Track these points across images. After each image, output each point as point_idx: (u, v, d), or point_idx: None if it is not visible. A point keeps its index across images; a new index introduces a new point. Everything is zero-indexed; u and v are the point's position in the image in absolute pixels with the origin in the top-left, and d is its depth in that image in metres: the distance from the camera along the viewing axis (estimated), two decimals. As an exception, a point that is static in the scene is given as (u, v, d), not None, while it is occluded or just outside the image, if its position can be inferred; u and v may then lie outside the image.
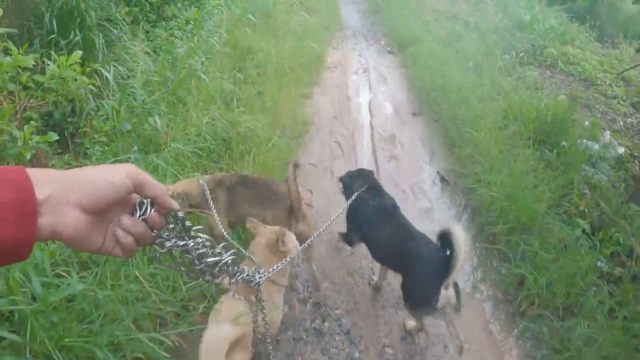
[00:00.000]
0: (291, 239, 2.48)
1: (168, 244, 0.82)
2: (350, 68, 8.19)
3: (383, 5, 12.59)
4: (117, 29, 6.13)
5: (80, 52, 4.44)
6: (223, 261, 0.90)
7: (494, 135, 5.12)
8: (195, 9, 8.37)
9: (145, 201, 0.77)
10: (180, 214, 0.82)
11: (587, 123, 6.06)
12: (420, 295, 2.77)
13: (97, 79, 4.85)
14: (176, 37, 6.95)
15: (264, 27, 8.33)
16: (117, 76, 5.43)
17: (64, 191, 0.67)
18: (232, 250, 0.94)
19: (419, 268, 2.77)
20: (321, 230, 2.57)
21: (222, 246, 0.93)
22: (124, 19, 6.86)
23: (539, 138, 5.30)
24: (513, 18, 9.68)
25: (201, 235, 0.87)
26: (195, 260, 0.87)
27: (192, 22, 8.08)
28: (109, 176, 0.72)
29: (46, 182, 0.66)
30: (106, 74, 4.69)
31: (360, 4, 14.82)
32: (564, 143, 5.12)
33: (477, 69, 7.09)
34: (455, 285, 2.72)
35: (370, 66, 8.32)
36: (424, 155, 5.41)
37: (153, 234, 0.79)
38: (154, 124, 4.34)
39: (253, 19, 7.91)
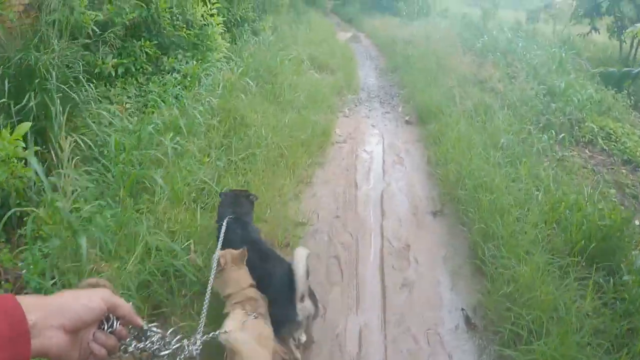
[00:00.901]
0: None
1: (130, 348, 1.00)
2: (361, 143, 7.05)
3: (402, 64, 11.57)
4: (86, 90, 5.11)
5: (27, 124, 3.47)
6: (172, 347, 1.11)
7: (536, 261, 3.85)
8: (195, 62, 7.45)
9: (111, 316, 0.93)
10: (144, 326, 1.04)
11: (637, 222, 4.78)
12: (280, 312, 2.80)
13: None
14: (160, 102, 5.97)
15: (264, 91, 7.31)
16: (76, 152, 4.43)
17: (48, 316, 0.80)
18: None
19: (273, 287, 2.87)
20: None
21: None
22: (109, 73, 5.99)
23: (589, 254, 4.05)
24: (545, 85, 8.50)
25: (155, 331, 1.07)
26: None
27: (189, 77, 7.13)
28: (86, 301, 0.87)
29: (32, 309, 0.78)
30: (35, 166, 3.57)
31: (378, 60, 13.95)
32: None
33: (510, 152, 5.87)
34: (312, 295, 2.88)
35: (385, 141, 7.17)
36: (444, 279, 4.16)
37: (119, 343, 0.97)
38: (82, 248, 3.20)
39: (250, 83, 6.84)
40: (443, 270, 4.27)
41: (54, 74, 4.63)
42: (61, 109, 4.50)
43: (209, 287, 2.26)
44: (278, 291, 2.82)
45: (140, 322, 0.99)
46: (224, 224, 3.16)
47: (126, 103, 5.97)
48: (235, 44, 10.51)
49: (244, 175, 5.00)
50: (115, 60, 6.12)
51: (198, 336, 1.38)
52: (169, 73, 7.08)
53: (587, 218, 4.38)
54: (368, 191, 5.59)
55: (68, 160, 4.35)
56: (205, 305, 2.19)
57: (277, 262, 3.04)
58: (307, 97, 7.76)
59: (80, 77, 5.07)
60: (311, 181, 5.62)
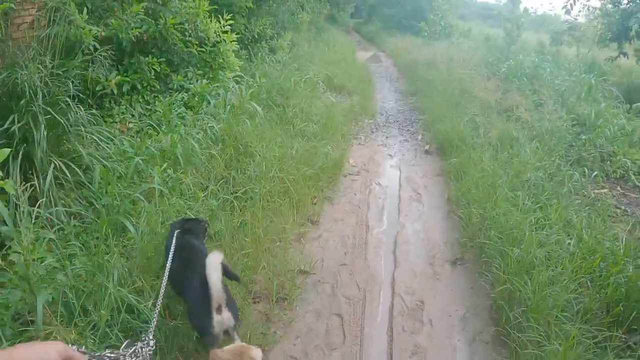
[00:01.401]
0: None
1: None
2: (376, 176, 6.51)
3: (423, 87, 11.02)
4: (76, 111, 4.68)
5: (6, 151, 3.06)
6: None
7: (566, 331, 3.26)
8: (204, 81, 7.01)
9: None
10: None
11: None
12: (195, 323, 2.72)
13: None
14: (162, 123, 5.56)
15: (274, 116, 6.84)
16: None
17: None
18: None
19: (188, 296, 2.77)
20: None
21: None
22: (112, 90, 5.57)
23: (631, 321, 3.45)
24: (574, 114, 7.87)
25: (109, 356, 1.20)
26: None
27: (196, 97, 6.69)
28: (41, 354, 0.87)
29: None
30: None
31: (398, 82, 13.46)
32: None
33: (539, 192, 5.26)
34: (231, 307, 2.66)
35: (402, 174, 6.61)
36: (462, 347, 3.57)
37: None
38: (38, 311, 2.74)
39: (257, 107, 6.36)
40: (460, 335, 3.68)
41: (40, 94, 4.19)
42: (45, 132, 4.09)
43: (164, 279, 2.48)
44: (194, 301, 2.71)
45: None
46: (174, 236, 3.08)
47: (129, 122, 5.62)
48: (252, 61, 10.12)
49: (241, 214, 4.49)
50: (119, 77, 5.70)
51: (150, 336, 1.43)
52: (177, 91, 6.70)
53: (624, 273, 3.78)
54: (380, 234, 5.03)
55: (48, 190, 4.00)
56: (158, 304, 2.37)
57: (198, 269, 2.75)
58: (320, 123, 7.26)
59: (72, 96, 4.60)
60: (318, 220, 5.09)
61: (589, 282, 3.90)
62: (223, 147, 5.47)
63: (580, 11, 14.09)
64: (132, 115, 5.77)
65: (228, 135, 5.73)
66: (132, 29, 5.80)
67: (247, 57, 10.24)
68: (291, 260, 4.29)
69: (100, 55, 5.42)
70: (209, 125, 5.70)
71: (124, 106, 5.75)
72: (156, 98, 6.27)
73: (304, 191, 5.18)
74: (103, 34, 5.34)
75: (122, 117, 5.63)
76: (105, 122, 5.37)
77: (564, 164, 6.30)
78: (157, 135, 5.29)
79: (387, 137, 8.22)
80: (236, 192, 4.79)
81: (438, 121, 8.19)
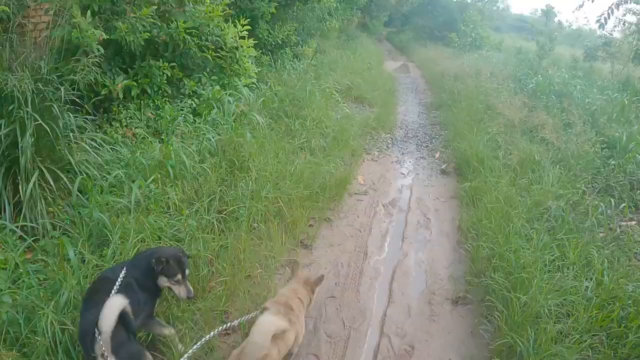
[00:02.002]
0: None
1: None
2: (385, 196, 6.06)
3: (447, 101, 10.48)
4: (67, 116, 4.44)
5: None
6: None
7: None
8: (217, 87, 6.71)
9: None
10: None
11: None
12: None
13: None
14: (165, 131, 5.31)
15: (281, 128, 6.49)
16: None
17: None
18: None
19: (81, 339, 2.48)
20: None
21: None
22: (117, 95, 5.34)
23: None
24: (604, 136, 7.24)
25: None
26: None
27: (204, 104, 6.41)
28: None
29: None
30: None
31: (424, 94, 12.98)
32: None
33: (557, 227, 4.73)
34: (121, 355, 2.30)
35: (413, 196, 6.15)
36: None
37: None
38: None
39: (258, 118, 6.02)
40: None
41: (29, 99, 3.94)
42: (32, 139, 3.86)
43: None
44: (81, 343, 2.47)
45: None
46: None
47: (135, 128, 5.38)
48: (274, 68, 9.82)
49: (223, 237, 4.12)
50: (126, 81, 5.46)
51: None
52: (189, 97, 6.45)
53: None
54: (379, 263, 4.59)
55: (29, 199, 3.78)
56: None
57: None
58: (331, 137, 6.86)
59: (68, 101, 4.37)
60: (312, 244, 4.69)
61: (604, 337, 3.40)
62: (219, 159, 5.13)
63: (615, 26, 13.21)
64: (140, 120, 5.55)
65: (228, 148, 5.39)
66: (142, 33, 5.53)
67: (269, 63, 9.95)
68: (274, 289, 3.90)
69: (104, 58, 5.19)
70: (207, 136, 5.37)
71: (132, 111, 5.53)
72: (167, 103, 6.04)
73: (299, 212, 4.78)
74: (104, 37, 5.06)
75: (129, 122, 5.41)
76: (111, 126, 5.22)
77: (589, 192, 5.72)
78: (151, 144, 4.99)
79: (403, 154, 7.76)
80: (224, 211, 4.43)
81: (459, 138, 7.68)
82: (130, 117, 5.45)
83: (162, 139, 5.28)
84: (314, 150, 6.33)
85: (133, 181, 4.19)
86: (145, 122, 5.59)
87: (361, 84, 10.96)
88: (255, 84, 7.91)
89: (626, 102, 8.51)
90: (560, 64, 13.51)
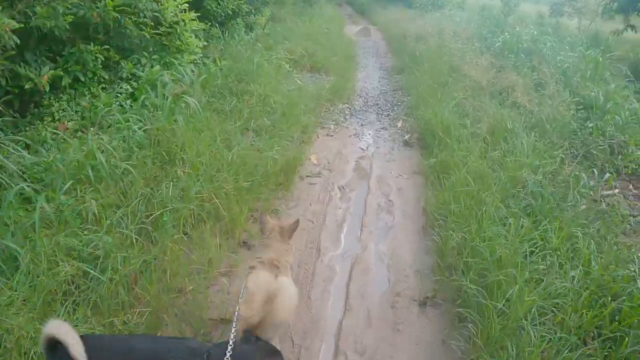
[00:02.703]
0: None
1: None
2: (341, 177, 5.34)
3: (410, 64, 9.72)
4: None
5: None
6: None
7: None
8: (157, 67, 5.85)
9: None
10: None
11: None
12: None
13: None
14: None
15: (225, 107, 5.67)
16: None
17: None
18: None
19: None
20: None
21: None
22: (44, 88, 4.54)
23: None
24: (579, 96, 6.65)
25: None
26: None
27: (144, 88, 5.56)
28: None
29: None
30: None
31: (385, 57, 12.21)
32: None
33: (537, 206, 4.10)
34: None
35: (373, 173, 5.44)
36: None
37: None
38: None
39: (192, 102, 5.18)
40: None
41: None
42: None
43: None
44: None
45: None
46: None
47: (68, 121, 4.74)
48: (224, 40, 8.85)
49: (148, 250, 3.34)
50: (52, 71, 4.75)
51: None
52: (127, 81, 5.73)
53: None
54: (334, 260, 3.89)
55: None
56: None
57: None
58: (280, 112, 6.05)
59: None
60: (255, 243, 3.93)
61: (595, 334, 2.83)
62: (152, 152, 4.29)
63: (581, -21, 12.64)
64: (76, 112, 4.90)
65: (162, 137, 4.56)
66: (65, 16, 4.65)
67: (218, 36, 8.96)
68: (211, 305, 3.17)
69: (27, 48, 4.39)
70: (134, 127, 4.51)
71: (65, 102, 4.91)
72: (104, 90, 5.36)
73: (238, 208, 4.01)
74: (13, 26, 4.09)
75: (62, 115, 4.78)
76: (42, 122, 4.59)
77: (568, 161, 5.13)
78: (81, 139, 4.17)
79: (362, 125, 7.01)
80: (152, 216, 3.63)
81: (422, 104, 6.96)
82: (63, 109, 4.85)
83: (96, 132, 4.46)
84: (260, 130, 5.51)
85: (53, 190, 3.36)
86: (80, 113, 4.94)
87: (317, 51, 10.08)
88: (199, 60, 7.01)
89: (600, 59, 7.88)
90: (526, 21, 12.80)
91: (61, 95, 4.99)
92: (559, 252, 3.50)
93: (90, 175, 3.76)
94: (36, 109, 4.86)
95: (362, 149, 6.15)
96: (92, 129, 4.41)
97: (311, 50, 9.96)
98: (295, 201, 4.70)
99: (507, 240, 3.46)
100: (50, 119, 4.68)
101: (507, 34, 9.51)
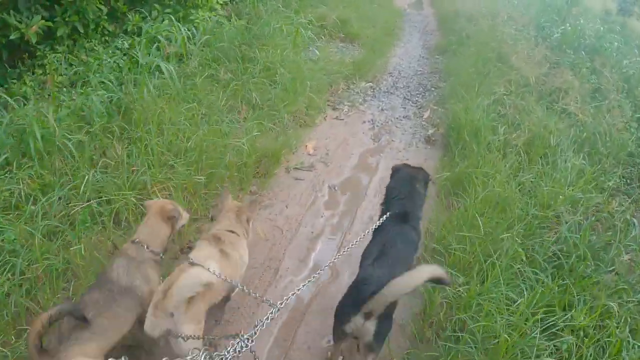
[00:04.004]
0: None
1: None
2: (337, 173, 4.32)
3: (455, 46, 8.40)
4: None
5: None
6: None
7: None
8: (165, 22, 4.99)
9: None
10: None
11: None
12: None
13: None
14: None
15: (222, 76, 4.73)
16: None
17: None
18: None
19: None
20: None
21: None
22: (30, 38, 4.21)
23: None
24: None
25: None
26: None
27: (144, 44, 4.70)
28: None
29: None
30: None
31: (431, 35, 10.79)
32: None
33: (572, 264, 3.01)
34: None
35: (378, 173, 4.40)
36: None
37: None
38: None
39: (165, 66, 4.25)
40: None
41: None
42: None
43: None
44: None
45: None
46: None
47: (58, 75, 4.34)
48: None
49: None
50: (43, 22, 4.27)
51: None
52: (133, 35, 5.16)
53: None
54: (289, 288, 2.92)
55: None
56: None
57: None
58: (281, 86, 5.02)
59: None
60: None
61: None
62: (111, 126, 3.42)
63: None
64: (71, 66, 4.47)
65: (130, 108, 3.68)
66: None
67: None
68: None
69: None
70: (93, 94, 3.64)
71: (61, 55, 4.52)
72: (106, 43, 4.97)
73: (198, 204, 3.09)
74: None
75: (56, 68, 4.36)
76: (34, 73, 4.31)
77: (620, 196, 3.95)
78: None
79: (382, 110, 5.88)
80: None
81: (457, 95, 5.76)
82: (59, 62, 4.45)
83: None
84: (254, 107, 4.51)
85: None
86: (75, 68, 4.43)
87: (354, 19, 8.81)
88: (215, 17, 6.04)
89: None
90: (589, 16, 10.96)
91: (56, 47, 4.58)
92: (583, 333, 2.45)
93: (32, 147, 2.97)
94: (30, 61, 4.48)
95: (374, 139, 5.07)
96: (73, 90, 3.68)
97: (346, 18, 8.72)
98: (271, 199, 3.73)
99: (516, 314, 2.41)
100: (41, 71, 4.32)
101: (568, 25, 7.97)
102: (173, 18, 5.52)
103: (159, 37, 5.06)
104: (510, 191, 3.53)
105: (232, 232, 2.51)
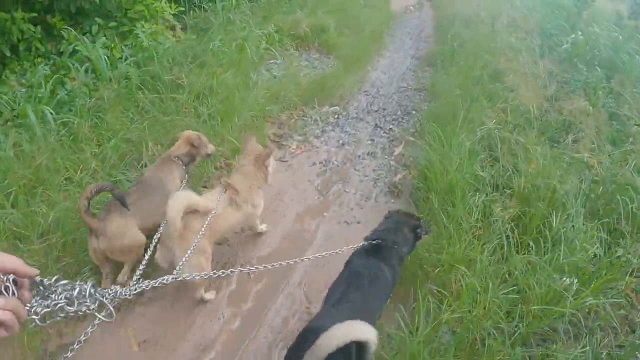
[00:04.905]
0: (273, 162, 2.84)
1: (39, 309, 0.82)
2: (258, 245, 3.05)
3: (448, 54, 7.09)
4: None
5: None
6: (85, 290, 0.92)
7: None
8: (102, 40, 3.87)
9: (9, 283, 0.74)
10: (38, 278, 0.82)
11: None
12: None
13: None
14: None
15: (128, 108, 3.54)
16: None
17: None
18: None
19: None
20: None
21: None
22: None
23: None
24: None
25: (57, 284, 0.88)
26: (66, 306, 0.87)
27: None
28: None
29: None
30: None
31: (425, 43, 9.48)
32: None
33: None
34: None
35: (314, 246, 3.13)
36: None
37: (26, 307, 0.77)
38: None
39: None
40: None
41: None
42: None
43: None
44: None
45: (34, 271, 0.77)
46: None
47: None
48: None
49: None
50: None
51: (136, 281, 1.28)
52: (71, 55, 4.37)
53: None
54: None
55: None
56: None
57: None
58: (209, 125, 3.79)
59: None
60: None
61: None
62: None
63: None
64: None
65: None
66: None
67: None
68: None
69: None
70: None
71: None
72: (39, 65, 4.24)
73: None
74: None
75: None
76: None
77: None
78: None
79: (342, 145, 4.58)
80: None
81: (439, 121, 4.47)
82: None
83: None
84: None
85: None
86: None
87: (333, 26, 7.53)
88: (165, 30, 4.99)
89: None
90: (599, 20, 9.34)
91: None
92: None
93: None
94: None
95: (320, 191, 3.79)
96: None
97: (324, 24, 7.45)
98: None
99: None
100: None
101: (579, 33, 6.54)
102: (113, 33, 4.62)
103: (93, 57, 4.03)
104: (490, 292, 2.25)
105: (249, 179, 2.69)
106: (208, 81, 4.33)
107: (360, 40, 7.72)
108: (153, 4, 5.38)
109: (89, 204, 2.25)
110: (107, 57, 4.37)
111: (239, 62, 4.87)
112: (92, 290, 0.94)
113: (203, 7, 6.48)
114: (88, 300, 0.92)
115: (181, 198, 2.14)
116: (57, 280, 0.88)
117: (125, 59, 4.54)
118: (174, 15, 5.82)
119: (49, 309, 0.84)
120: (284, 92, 4.94)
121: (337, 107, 5.31)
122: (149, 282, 1.29)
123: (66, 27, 4.64)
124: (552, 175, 3.27)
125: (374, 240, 2.22)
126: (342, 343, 1.52)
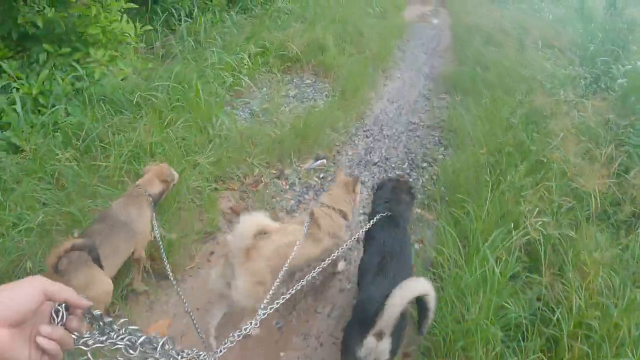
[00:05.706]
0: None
1: (90, 342, 0.74)
2: None
3: (468, 78, 5.75)
4: None
5: None
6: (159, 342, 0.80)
7: None
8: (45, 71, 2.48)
9: (60, 308, 0.70)
10: (97, 311, 0.76)
11: None
12: None
13: None
14: None
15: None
16: None
17: None
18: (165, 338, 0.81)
19: None
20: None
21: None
22: None
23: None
24: None
25: (121, 326, 0.79)
26: (129, 350, 0.77)
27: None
28: (16, 291, 0.65)
29: None
30: None
31: (442, 59, 8.15)
32: None
33: None
34: None
35: None
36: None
37: (74, 337, 0.72)
38: None
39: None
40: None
41: None
42: None
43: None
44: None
45: (87, 302, 0.72)
46: None
47: None
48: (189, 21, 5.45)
49: None
50: None
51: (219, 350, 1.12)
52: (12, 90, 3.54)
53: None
54: None
55: None
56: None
57: None
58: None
59: None
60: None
61: None
62: None
63: None
64: None
65: None
66: None
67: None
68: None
69: None
70: None
71: None
72: None
73: None
74: None
75: None
76: None
77: None
78: None
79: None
80: None
81: (457, 191, 3.18)
82: None
83: None
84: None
85: None
86: None
87: (330, 42, 6.20)
88: (119, 59, 3.82)
89: None
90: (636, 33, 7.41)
91: None
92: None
93: None
94: None
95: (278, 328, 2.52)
96: None
97: (322, 41, 6.13)
98: None
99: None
100: None
101: (638, 63, 5.06)
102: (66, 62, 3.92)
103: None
104: None
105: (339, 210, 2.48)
106: (147, 137, 3.08)
107: (364, 60, 6.38)
108: (110, 25, 4.18)
109: (58, 262, 1.91)
110: (40, 95, 3.25)
111: (196, 105, 3.60)
112: (169, 347, 0.80)
113: (171, 26, 5.22)
114: (157, 354, 0.78)
115: (257, 217, 1.99)
116: (124, 323, 0.78)
117: (66, 96, 3.40)
118: (140, 35, 4.64)
119: (102, 345, 0.74)
120: (259, 138, 3.66)
121: (324, 161, 3.99)
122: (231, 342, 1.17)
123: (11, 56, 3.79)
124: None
125: (384, 213, 2.26)
126: (411, 298, 1.61)
